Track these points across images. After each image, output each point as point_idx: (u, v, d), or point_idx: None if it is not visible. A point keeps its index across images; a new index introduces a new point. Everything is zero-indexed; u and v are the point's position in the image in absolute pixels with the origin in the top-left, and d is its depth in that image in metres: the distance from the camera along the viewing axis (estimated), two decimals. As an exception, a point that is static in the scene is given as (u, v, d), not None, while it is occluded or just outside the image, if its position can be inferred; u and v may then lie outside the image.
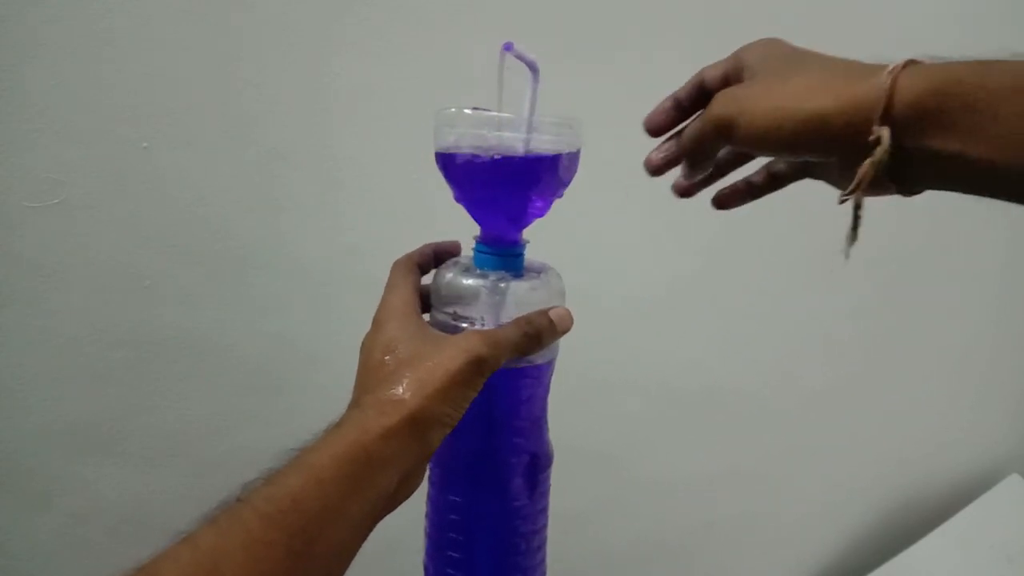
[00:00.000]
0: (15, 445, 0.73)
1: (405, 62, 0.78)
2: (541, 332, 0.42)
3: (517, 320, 0.42)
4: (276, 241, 0.79)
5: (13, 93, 0.66)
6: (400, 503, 0.40)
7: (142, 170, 0.73)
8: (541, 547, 0.53)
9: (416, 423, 0.38)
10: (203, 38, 0.72)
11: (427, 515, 0.53)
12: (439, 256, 0.50)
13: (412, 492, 0.41)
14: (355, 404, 0.40)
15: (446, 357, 0.39)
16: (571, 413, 0.98)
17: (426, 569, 0.54)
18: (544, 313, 0.43)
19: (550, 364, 0.49)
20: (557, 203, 0.50)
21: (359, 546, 0.38)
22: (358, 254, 0.81)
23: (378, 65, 0.78)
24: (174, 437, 0.80)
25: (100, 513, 0.78)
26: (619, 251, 0.96)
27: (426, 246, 0.50)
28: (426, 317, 0.48)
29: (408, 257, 0.48)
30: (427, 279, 0.50)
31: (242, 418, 0.82)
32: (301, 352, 0.82)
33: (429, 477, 0.53)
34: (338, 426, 0.38)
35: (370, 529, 0.38)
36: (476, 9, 0.79)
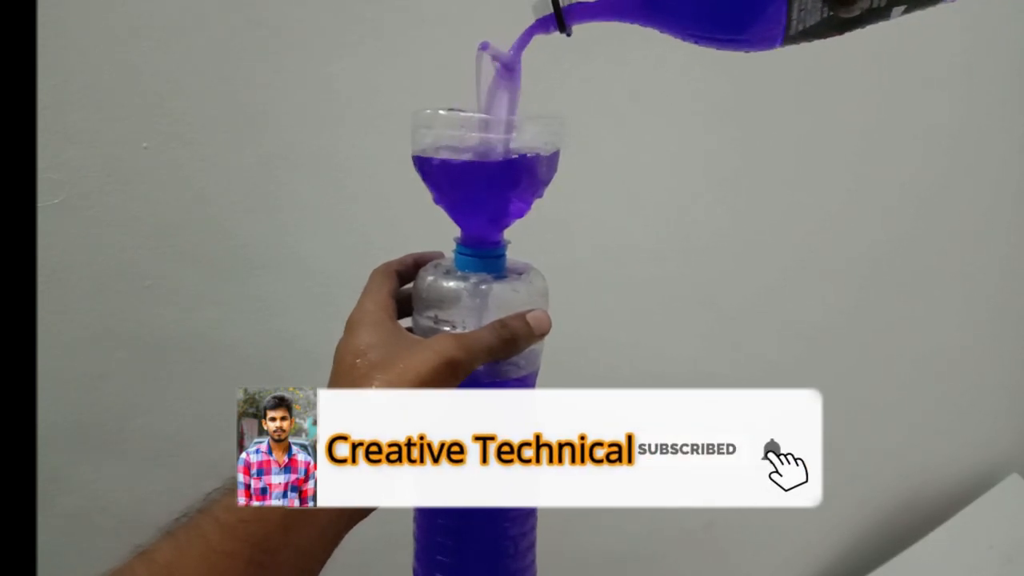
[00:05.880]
0: (15, 445, 0.74)
1: (405, 62, 0.78)
2: (517, 335, 0.42)
3: (492, 323, 0.42)
4: (276, 241, 0.79)
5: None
6: (374, 508, 0.40)
7: (142, 170, 0.73)
8: (531, 548, 0.53)
9: None
10: (203, 38, 0.72)
11: (415, 520, 0.53)
12: (420, 265, 0.49)
13: None
14: None
15: (418, 360, 0.38)
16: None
17: (415, 574, 0.53)
18: (521, 316, 0.42)
19: (533, 375, 0.48)
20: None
21: (329, 554, 0.37)
22: (358, 254, 0.81)
23: (378, 65, 0.77)
24: (174, 437, 0.80)
25: (100, 513, 0.78)
26: (614, 246, 0.94)
27: (407, 256, 0.49)
28: (408, 323, 0.47)
29: (387, 264, 0.48)
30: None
31: (242, 418, 0.82)
32: (301, 352, 0.82)
33: (416, 482, 0.52)
34: None
35: (340, 536, 0.37)
36: (477, 7, 0.79)
